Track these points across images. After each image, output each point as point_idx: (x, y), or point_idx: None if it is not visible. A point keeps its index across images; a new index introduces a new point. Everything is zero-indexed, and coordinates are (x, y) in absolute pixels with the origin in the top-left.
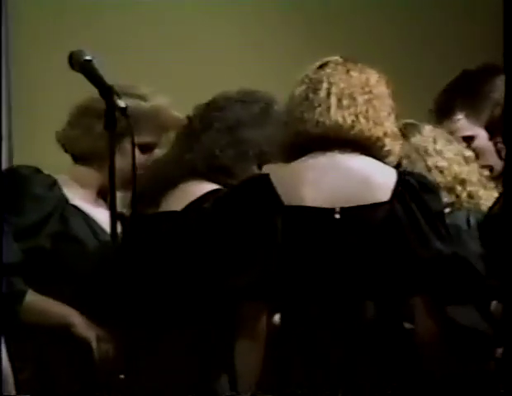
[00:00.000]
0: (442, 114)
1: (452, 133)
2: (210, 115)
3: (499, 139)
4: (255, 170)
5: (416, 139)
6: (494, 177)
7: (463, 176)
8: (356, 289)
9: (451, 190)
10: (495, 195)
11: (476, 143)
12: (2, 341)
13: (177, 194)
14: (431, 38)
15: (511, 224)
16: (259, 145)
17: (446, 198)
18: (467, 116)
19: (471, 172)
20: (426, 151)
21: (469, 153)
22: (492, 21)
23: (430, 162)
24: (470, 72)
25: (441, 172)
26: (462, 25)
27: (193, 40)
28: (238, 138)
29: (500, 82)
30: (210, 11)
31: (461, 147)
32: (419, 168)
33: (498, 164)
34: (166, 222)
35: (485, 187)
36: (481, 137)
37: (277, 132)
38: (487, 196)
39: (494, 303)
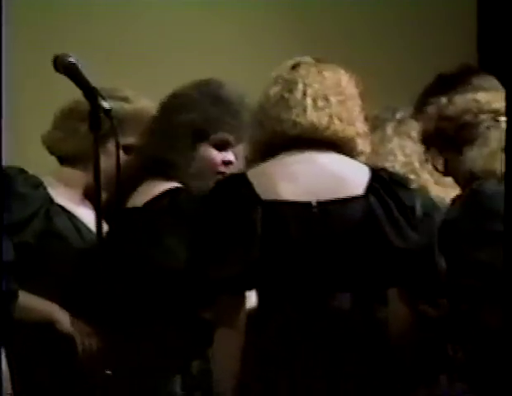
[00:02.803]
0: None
1: None
2: (156, 117)
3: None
4: (195, 152)
5: (379, 135)
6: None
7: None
8: (334, 280)
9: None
10: (451, 193)
11: None
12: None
13: (137, 194)
14: (410, 38)
15: None
16: (192, 126)
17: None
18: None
19: (420, 170)
20: (392, 151)
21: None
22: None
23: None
24: (445, 75)
25: (405, 166)
26: (439, 26)
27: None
28: (170, 125)
29: (475, 81)
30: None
31: (419, 146)
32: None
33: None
34: (127, 218)
35: (437, 183)
36: None
37: (253, 129)
38: (438, 192)
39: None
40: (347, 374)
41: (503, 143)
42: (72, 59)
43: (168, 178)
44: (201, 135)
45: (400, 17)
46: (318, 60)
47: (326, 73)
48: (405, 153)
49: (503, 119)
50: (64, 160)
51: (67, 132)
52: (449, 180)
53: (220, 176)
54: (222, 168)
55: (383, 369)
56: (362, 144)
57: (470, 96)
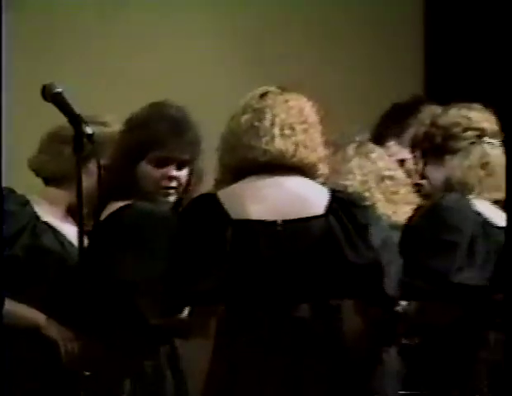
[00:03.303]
0: (377, 142)
1: (389, 155)
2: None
3: (421, 160)
4: (136, 171)
5: (341, 154)
6: (423, 194)
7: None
8: (296, 292)
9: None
10: (409, 210)
11: (407, 165)
12: None
13: (104, 212)
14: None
15: None
16: (130, 146)
17: None
18: (399, 143)
19: (375, 189)
20: (351, 171)
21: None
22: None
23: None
24: (399, 104)
25: (362, 185)
26: (390, 57)
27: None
28: (118, 146)
29: (426, 110)
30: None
31: (376, 167)
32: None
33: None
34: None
35: (388, 201)
36: (410, 160)
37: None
38: (400, 210)
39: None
40: (308, 375)
41: (483, 160)
42: (58, 89)
43: (122, 197)
44: (138, 154)
45: (350, 51)
46: (283, 89)
47: (291, 103)
48: (363, 173)
49: (487, 139)
50: (49, 180)
51: (52, 155)
52: (400, 197)
53: (169, 191)
54: (167, 183)
55: (340, 370)
56: (323, 168)
57: (463, 112)
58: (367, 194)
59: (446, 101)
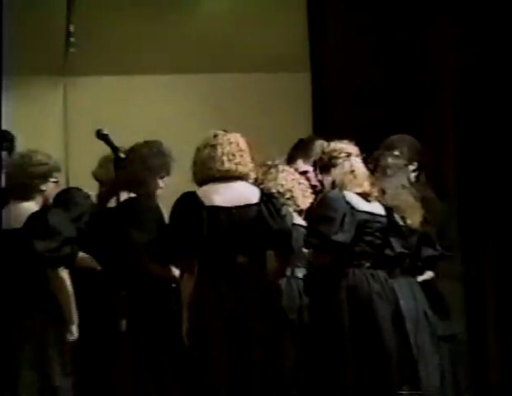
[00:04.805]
0: (289, 161)
1: (296, 169)
2: (131, 156)
3: (318, 172)
4: (156, 180)
5: (272, 174)
6: (317, 192)
7: (292, 190)
8: (240, 247)
9: (285, 196)
10: (309, 201)
11: (308, 174)
12: None
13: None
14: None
15: None
16: (160, 167)
17: (283, 200)
18: (303, 161)
19: (296, 189)
20: (275, 179)
21: (296, 180)
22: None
23: (278, 182)
24: (303, 139)
25: (281, 187)
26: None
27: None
28: (146, 165)
29: (318, 143)
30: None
31: (296, 176)
32: (273, 186)
33: (318, 185)
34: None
35: (304, 196)
36: (311, 171)
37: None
38: (303, 201)
39: None
40: (245, 294)
41: (351, 169)
42: (105, 132)
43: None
44: (159, 173)
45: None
46: (225, 131)
47: (231, 139)
48: (287, 180)
49: (353, 157)
50: (102, 183)
51: (105, 168)
52: (307, 194)
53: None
54: (162, 186)
55: (264, 291)
56: (252, 175)
57: (338, 144)
58: (289, 193)
59: (328, 138)
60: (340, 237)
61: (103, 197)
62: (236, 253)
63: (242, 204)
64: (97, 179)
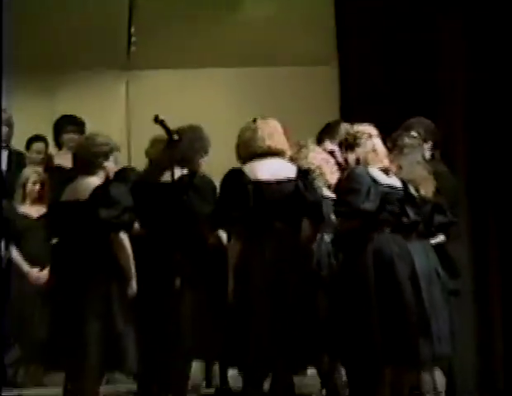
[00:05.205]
0: (318, 142)
1: (324, 149)
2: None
3: (343, 151)
4: (199, 159)
5: (303, 153)
6: (342, 169)
7: (320, 167)
8: (279, 215)
9: (315, 172)
10: (336, 176)
11: (335, 153)
12: None
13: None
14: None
15: None
16: (202, 148)
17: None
18: (330, 142)
19: (324, 166)
20: (306, 157)
21: (324, 159)
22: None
23: (308, 161)
24: (330, 123)
25: (312, 165)
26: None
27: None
28: (192, 146)
29: (343, 126)
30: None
31: (324, 155)
32: (304, 163)
33: (343, 162)
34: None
35: (331, 172)
36: (336, 150)
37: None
38: (331, 177)
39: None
40: (282, 254)
41: (373, 148)
42: (161, 117)
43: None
44: (201, 153)
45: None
46: (264, 117)
47: (270, 123)
48: (317, 159)
49: (374, 137)
50: (151, 161)
51: (156, 148)
52: (334, 171)
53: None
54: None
55: (298, 254)
56: (288, 154)
57: (360, 126)
58: (318, 170)
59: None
60: (367, 205)
61: (155, 172)
62: (275, 220)
63: (281, 178)
64: (148, 156)
